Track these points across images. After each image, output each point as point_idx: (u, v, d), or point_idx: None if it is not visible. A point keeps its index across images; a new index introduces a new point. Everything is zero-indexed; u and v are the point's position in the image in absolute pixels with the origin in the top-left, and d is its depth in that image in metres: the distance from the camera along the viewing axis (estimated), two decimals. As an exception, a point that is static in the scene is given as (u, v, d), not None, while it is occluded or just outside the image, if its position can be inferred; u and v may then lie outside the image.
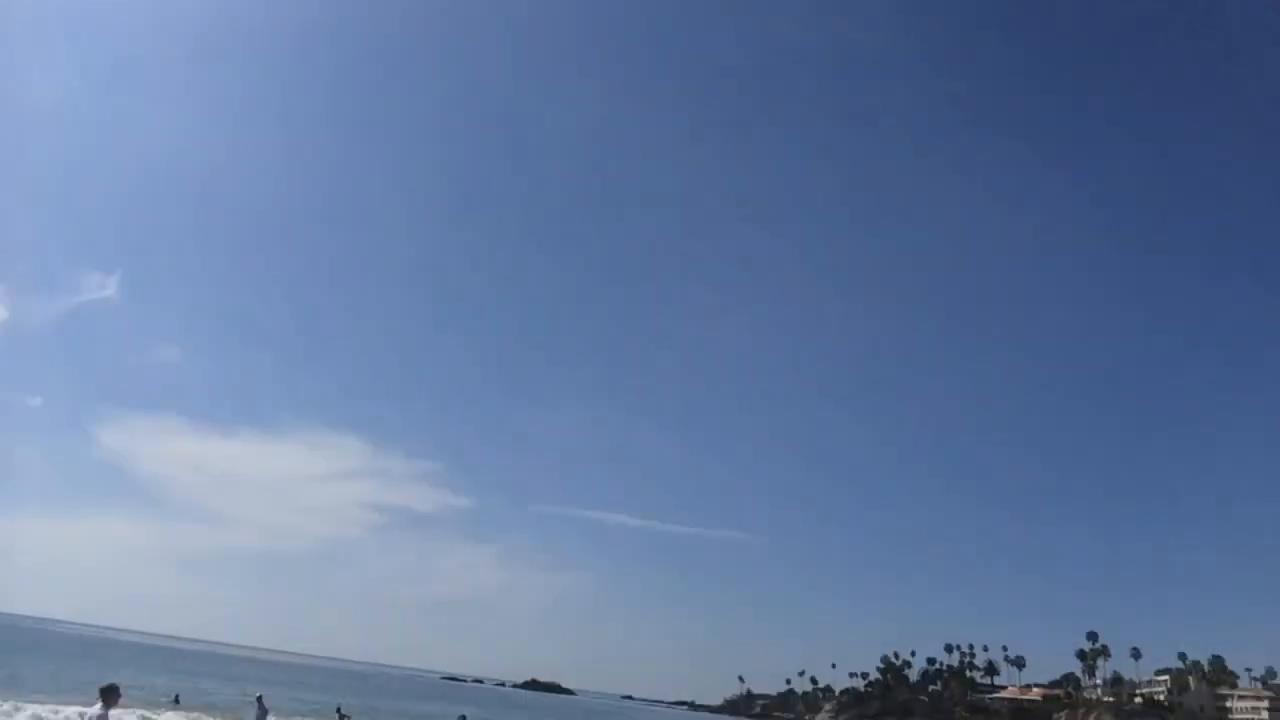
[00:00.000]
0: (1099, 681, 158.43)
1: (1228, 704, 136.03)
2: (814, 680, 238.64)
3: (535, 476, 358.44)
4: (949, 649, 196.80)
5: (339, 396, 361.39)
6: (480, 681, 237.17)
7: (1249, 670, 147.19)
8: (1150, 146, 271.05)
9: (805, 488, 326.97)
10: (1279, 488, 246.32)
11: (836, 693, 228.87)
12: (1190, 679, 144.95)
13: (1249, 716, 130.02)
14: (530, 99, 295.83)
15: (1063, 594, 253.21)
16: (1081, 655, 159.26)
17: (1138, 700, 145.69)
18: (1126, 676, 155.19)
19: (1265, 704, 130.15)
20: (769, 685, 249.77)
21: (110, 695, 10.85)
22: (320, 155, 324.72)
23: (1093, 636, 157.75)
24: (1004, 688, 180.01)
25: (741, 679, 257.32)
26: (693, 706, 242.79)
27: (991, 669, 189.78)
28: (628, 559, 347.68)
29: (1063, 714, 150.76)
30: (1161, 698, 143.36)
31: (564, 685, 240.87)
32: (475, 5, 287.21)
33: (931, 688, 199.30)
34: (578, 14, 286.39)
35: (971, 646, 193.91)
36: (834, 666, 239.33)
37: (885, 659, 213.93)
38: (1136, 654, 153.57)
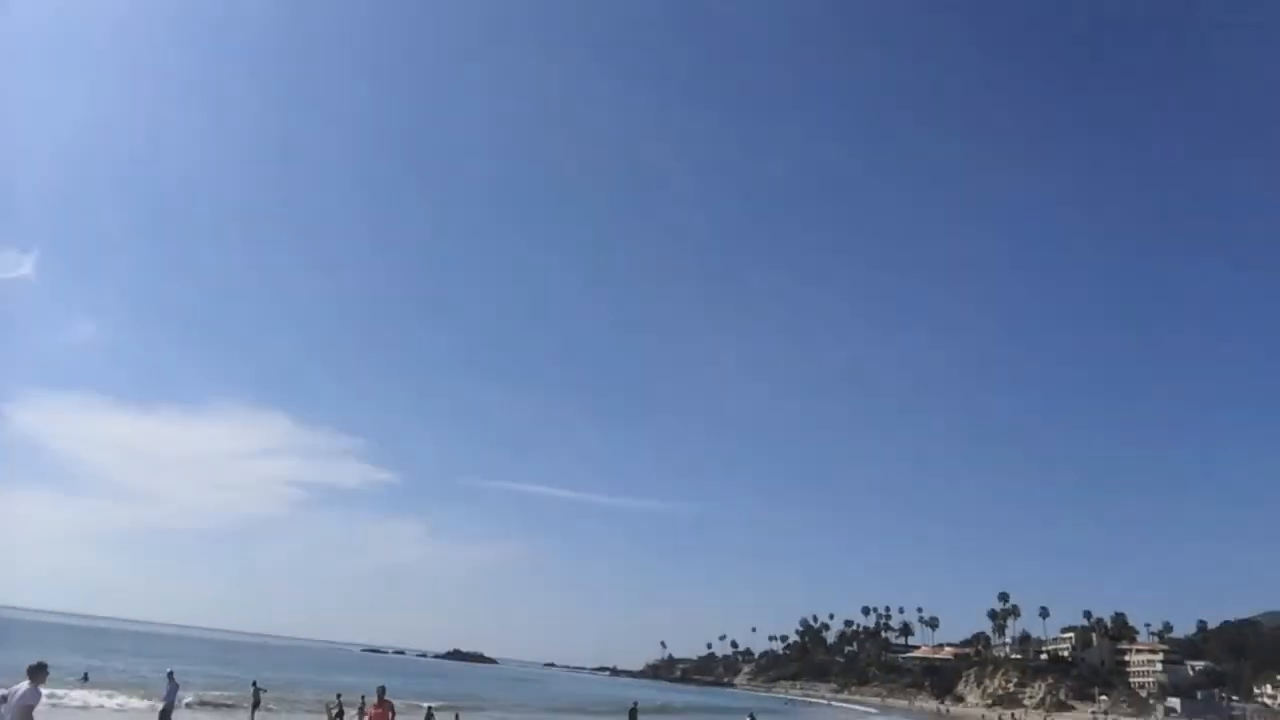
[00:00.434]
0: (1009, 640, 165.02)
1: (1126, 657, 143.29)
2: (734, 644, 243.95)
3: (462, 451, 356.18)
4: (865, 611, 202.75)
5: (262, 374, 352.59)
6: (401, 653, 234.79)
7: (1148, 625, 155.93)
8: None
9: (728, 459, 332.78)
10: (1199, 453, 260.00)
11: (756, 655, 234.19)
12: (1094, 635, 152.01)
13: (1145, 668, 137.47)
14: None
15: (980, 556, 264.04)
16: (993, 615, 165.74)
17: (1043, 656, 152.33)
18: (1035, 635, 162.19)
19: (1160, 656, 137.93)
20: (690, 650, 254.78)
21: (38, 673, 10.66)
22: (245, 130, 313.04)
23: (1004, 597, 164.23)
24: (917, 647, 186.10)
25: (664, 644, 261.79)
26: (614, 672, 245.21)
27: (907, 630, 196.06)
28: (554, 530, 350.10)
29: (971, 670, 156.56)
30: (1066, 654, 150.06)
31: (487, 655, 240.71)
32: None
33: (848, 648, 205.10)
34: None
35: (888, 608, 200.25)
36: (754, 630, 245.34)
37: (804, 621, 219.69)
38: (1045, 613, 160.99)
